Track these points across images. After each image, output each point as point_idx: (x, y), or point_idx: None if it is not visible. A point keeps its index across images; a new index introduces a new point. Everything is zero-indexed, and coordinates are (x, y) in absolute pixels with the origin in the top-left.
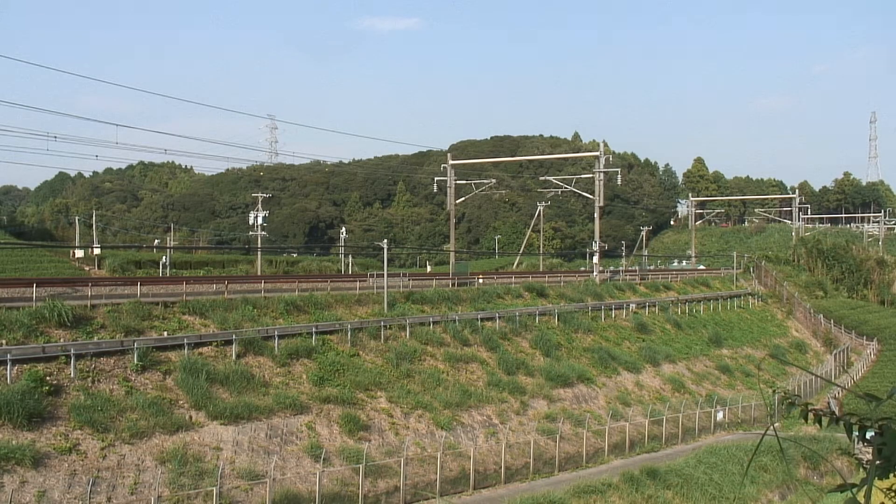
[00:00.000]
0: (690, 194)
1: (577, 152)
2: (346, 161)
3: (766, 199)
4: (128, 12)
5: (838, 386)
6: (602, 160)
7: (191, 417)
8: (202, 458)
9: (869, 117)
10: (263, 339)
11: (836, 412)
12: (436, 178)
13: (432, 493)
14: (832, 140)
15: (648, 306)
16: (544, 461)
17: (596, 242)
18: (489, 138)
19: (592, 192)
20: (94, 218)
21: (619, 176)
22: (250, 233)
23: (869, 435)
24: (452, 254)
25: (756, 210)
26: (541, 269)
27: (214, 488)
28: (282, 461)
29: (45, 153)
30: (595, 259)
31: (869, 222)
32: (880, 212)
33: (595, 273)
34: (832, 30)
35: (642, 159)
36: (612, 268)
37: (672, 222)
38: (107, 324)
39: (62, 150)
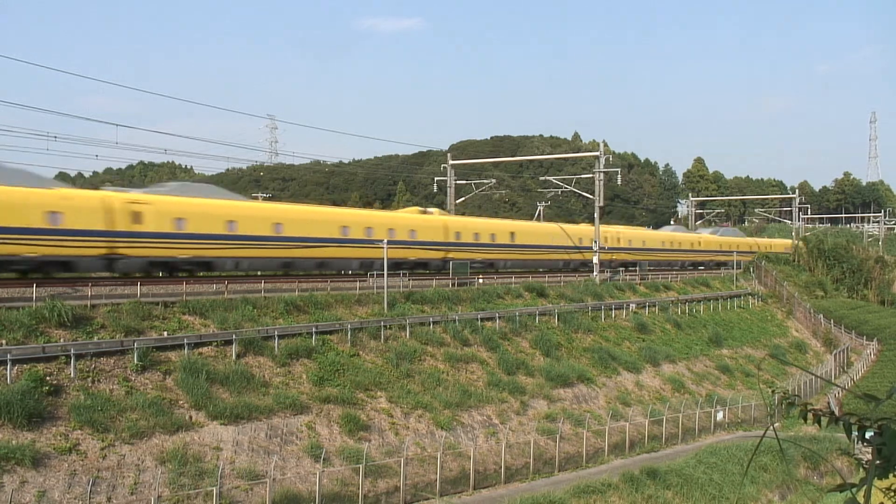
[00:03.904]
0: (690, 194)
1: (577, 152)
2: (346, 161)
3: (766, 199)
4: (128, 12)
5: (838, 386)
6: (602, 160)
7: (191, 417)
8: (202, 458)
9: (869, 117)
10: (263, 339)
11: (836, 412)
12: (436, 178)
13: (432, 493)
14: (832, 140)
15: (648, 306)
16: (544, 461)
17: (596, 242)
18: (489, 138)
19: (592, 192)
20: None
21: (619, 176)
22: None
23: (868, 435)
24: None
25: (756, 210)
26: (541, 269)
27: (214, 488)
28: (282, 461)
29: (45, 153)
30: (595, 259)
31: (869, 222)
32: (880, 212)
33: (595, 273)
34: (833, 31)
35: (642, 159)
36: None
37: (672, 222)
38: (107, 324)
39: (62, 150)
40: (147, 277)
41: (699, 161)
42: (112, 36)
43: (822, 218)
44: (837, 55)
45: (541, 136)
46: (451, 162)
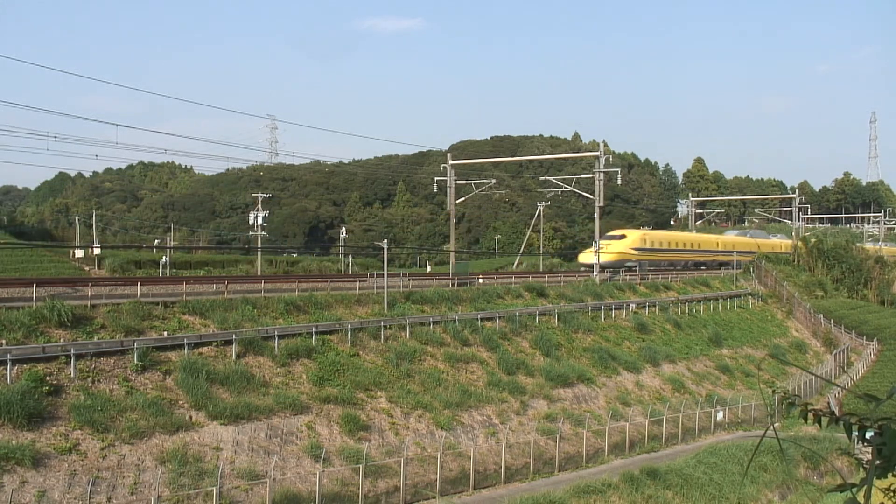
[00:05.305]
0: (690, 194)
1: (577, 152)
2: (346, 161)
3: (766, 199)
4: (128, 12)
5: (838, 386)
6: (602, 160)
7: (191, 417)
8: (202, 458)
9: (869, 117)
10: (263, 339)
11: (836, 412)
12: (436, 178)
13: (432, 493)
14: (832, 140)
15: (648, 306)
16: (544, 461)
17: (596, 242)
18: (489, 138)
19: (592, 192)
20: (94, 218)
21: (619, 176)
22: (250, 233)
23: (869, 435)
24: (452, 254)
25: (756, 210)
26: (541, 269)
27: (214, 488)
28: (282, 461)
29: (45, 153)
30: (595, 259)
31: (869, 222)
32: (880, 212)
33: (595, 273)
34: (834, 30)
35: (642, 159)
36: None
37: (672, 222)
38: (107, 324)
39: (62, 150)
40: (148, 277)
41: (699, 161)
42: (112, 36)
43: (822, 218)
44: (837, 55)
45: (541, 136)
46: (451, 162)
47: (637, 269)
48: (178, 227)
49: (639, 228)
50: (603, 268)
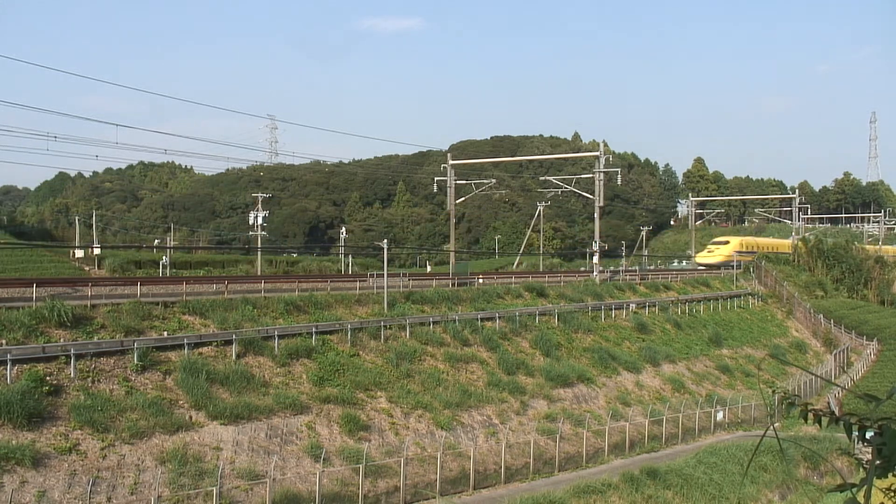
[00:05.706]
0: (690, 194)
1: (577, 152)
2: (346, 161)
3: (766, 199)
4: (128, 12)
5: (838, 386)
6: (602, 160)
7: (191, 417)
8: (202, 458)
9: (869, 117)
10: (263, 339)
11: (836, 412)
12: (436, 178)
13: (432, 493)
14: (832, 140)
15: (648, 306)
16: (544, 461)
17: (596, 242)
18: (489, 138)
19: (592, 192)
20: (94, 218)
21: (619, 176)
22: (250, 233)
23: (869, 435)
24: (452, 254)
25: (756, 210)
26: (541, 269)
27: (214, 488)
28: (282, 461)
29: (45, 153)
30: (595, 259)
31: (869, 222)
32: (880, 212)
33: (595, 273)
34: (834, 30)
35: (642, 159)
36: (612, 268)
37: (672, 222)
38: (107, 324)
39: (62, 150)
40: (148, 277)
41: (699, 161)
42: (112, 36)
43: (822, 218)
44: (837, 55)
45: (541, 136)
46: (451, 162)
47: (740, 266)
48: (178, 227)
49: (738, 235)
50: (714, 266)
